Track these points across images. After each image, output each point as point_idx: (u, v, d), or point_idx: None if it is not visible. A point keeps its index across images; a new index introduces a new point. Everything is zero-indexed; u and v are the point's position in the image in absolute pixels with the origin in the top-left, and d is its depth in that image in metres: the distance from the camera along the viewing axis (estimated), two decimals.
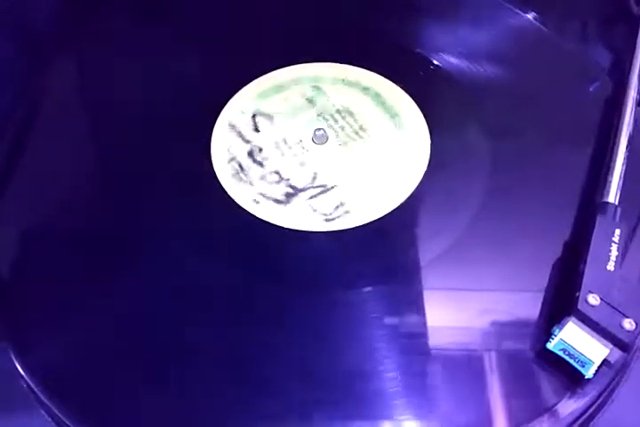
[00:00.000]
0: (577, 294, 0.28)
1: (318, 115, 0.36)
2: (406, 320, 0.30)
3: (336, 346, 0.29)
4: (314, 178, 0.34)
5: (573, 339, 0.27)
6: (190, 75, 0.38)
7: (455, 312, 0.31)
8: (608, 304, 0.27)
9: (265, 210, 0.33)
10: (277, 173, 0.34)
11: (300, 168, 0.34)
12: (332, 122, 0.36)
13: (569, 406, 0.28)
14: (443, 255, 0.31)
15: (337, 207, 0.33)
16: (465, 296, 0.31)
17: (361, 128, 0.35)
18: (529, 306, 0.30)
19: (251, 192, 0.33)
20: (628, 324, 0.27)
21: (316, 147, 0.35)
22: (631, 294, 0.28)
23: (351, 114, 0.36)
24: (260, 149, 0.35)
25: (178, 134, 0.35)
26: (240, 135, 0.35)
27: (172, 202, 0.34)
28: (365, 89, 0.37)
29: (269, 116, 0.36)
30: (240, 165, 0.34)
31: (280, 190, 0.33)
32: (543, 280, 0.30)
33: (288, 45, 0.39)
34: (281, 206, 0.33)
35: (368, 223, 0.32)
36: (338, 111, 0.36)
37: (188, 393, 0.28)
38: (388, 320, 0.30)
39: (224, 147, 0.35)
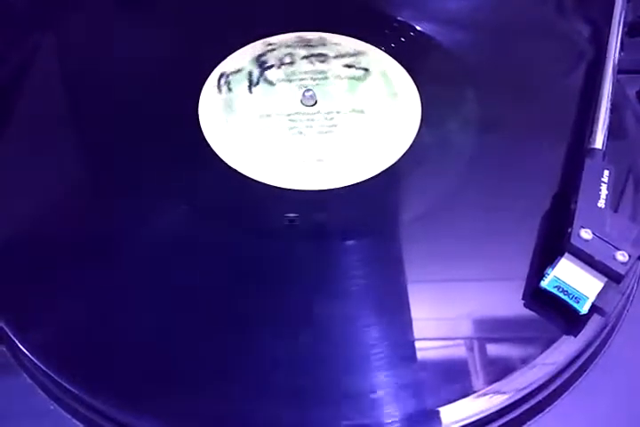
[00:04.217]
0: (569, 229, 0.28)
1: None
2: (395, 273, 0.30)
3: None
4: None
5: (567, 275, 0.27)
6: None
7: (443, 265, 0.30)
8: (600, 238, 0.27)
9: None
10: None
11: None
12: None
13: (563, 350, 0.28)
14: (433, 210, 0.31)
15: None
16: (452, 250, 0.30)
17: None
18: (520, 256, 0.30)
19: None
20: (621, 256, 0.27)
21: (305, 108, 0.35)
22: (623, 229, 0.28)
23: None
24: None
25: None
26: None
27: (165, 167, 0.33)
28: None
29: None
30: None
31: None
32: (534, 231, 0.30)
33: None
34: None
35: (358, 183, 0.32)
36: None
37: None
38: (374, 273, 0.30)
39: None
